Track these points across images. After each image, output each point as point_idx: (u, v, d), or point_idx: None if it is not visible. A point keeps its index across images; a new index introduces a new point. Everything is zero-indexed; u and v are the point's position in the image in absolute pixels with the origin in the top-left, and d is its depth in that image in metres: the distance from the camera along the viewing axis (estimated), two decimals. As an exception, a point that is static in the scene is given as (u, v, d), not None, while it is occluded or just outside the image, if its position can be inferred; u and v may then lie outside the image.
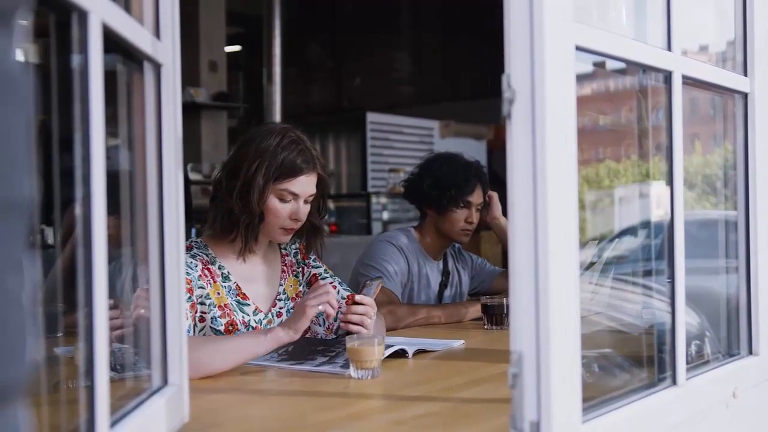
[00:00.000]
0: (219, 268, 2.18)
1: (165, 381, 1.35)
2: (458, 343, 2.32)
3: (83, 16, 0.97)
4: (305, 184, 2.17)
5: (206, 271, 2.14)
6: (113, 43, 1.09)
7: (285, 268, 2.33)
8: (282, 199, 2.15)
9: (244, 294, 2.20)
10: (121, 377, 1.38)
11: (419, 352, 2.16)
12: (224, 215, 2.16)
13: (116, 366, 1.34)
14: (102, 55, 1.00)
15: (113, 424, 1.07)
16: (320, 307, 1.95)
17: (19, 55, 0.61)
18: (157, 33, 1.32)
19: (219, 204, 2.17)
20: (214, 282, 2.15)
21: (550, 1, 1.15)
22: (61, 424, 1.10)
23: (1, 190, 0.56)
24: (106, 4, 1.04)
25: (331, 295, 1.98)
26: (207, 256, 2.18)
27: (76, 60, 0.99)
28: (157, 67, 1.32)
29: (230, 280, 2.19)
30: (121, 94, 1.29)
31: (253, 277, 2.25)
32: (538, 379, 1.15)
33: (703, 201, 2.07)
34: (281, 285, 2.30)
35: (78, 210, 0.98)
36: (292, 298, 2.31)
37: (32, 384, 0.64)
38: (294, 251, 2.38)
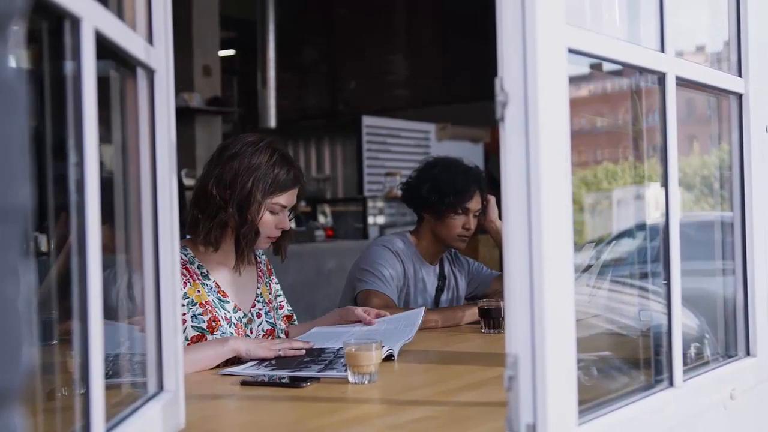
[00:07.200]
0: (198, 268, 2.26)
1: (161, 387, 1.34)
2: (418, 311, 2.43)
3: (76, 22, 0.97)
4: (292, 197, 2.31)
5: (184, 271, 2.21)
6: (105, 49, 1.09)
7: (261, 273, 2.44)
8: (272, 212, 2.26)
9: (224, 292, 2.28)
10: (115, 383, 1.38)
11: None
12: (218, 227, 2.23)
13: (109, 372, 1.33)
14: (95, 62, 1.00)
15: (109, 430, 1.06)
16: (280, 352, 2.10)
17: (14, 62, 0.61)
18: (150, 39, 1.32)
19: (211, 216, 2.23)
20: (194, 281, 2.23)
21: (543, 4, 1.15)
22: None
23: None
24: (99, 10, 1.04)
25: (294, 345, 2.15)
26: (186, 256, 2.25)
27: (68, 66, 0.99)
28: (150, 72, 1.31)
29: (210, 279, 2.27)
30: (114, 100, 1.29)
31: (233, 280, 2.33)
32: (533, 382, 1.15)
33: (701, 202, 2.06)
34: (258, 288, 2.41)
35: (72, 216, 0.97)
36: (268, 302, 2.41)
37: (28, 391, 0.64)
38: (264, 260, 2.49)
